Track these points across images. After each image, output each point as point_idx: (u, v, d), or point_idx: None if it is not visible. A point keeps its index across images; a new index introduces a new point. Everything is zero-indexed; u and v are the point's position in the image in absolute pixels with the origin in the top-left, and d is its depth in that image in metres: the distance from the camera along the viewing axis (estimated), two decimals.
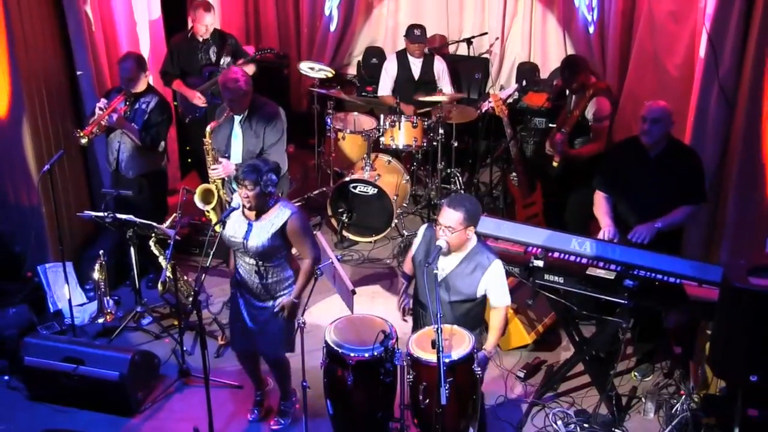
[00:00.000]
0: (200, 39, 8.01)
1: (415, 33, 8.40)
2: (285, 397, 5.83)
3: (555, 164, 6.91)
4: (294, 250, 5.43)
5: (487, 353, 4.98)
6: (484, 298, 5.03)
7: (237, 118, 6.46)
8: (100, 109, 6.61)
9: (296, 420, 5.78)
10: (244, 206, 5.19)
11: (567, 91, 7.18)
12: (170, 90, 8.24)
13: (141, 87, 6.82)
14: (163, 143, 7.00)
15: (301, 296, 5.33)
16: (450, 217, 4.78)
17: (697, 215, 5.91)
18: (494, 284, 4.94)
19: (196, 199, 6.69)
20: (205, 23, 7.92)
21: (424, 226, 5.22)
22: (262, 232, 5.15)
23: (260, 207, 5.16)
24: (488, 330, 5.16)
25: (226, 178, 6.67)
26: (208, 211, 6.73)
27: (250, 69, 8.11)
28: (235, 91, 6.26)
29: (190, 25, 8.19)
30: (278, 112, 6.54)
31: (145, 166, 6.95)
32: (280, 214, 5.18)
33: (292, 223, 5.18)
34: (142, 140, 6.75)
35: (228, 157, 6.53)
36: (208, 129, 6.51)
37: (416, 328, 5.19)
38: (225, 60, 8.02)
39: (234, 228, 5.24)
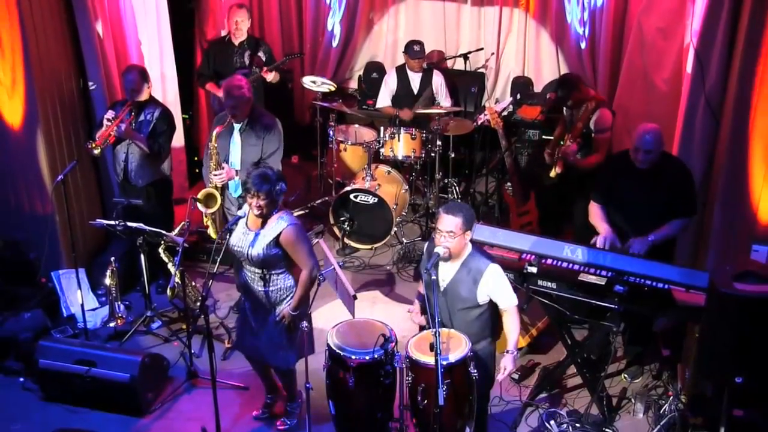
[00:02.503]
0: (236, 43, 8.10)
1: (414, 49, 8.41)
2: (291, 398, 5.84)
3: (553, 174, 6.90)
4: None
5: (511, 354, 4.96)
6: (489, 305, 4.98)
7: (237, 127, 6.46)
8: (108, 120, 6.62)
9: (300, 420, 5.80)
10: (254, 215, 5.16)
11: (564, 107, 7.16)
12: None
13: (144, 98, 6.81)
14: (167, 151, 7.03)
15: (300, 307, 5.29)
16: (450, 222, 4.78)
17: (688, 227, 5.93)
18: (496, 288, 4.90)
19: (199, 203, 6.61)
20: (236, 19, 8.05)
21: (427, 244, 5.18)
22: (261, 242, 5.15)
23: (269, 215, 5.16)
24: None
25: (227, 186, 6.67)
26: (206, 216, 6.71)
27: (275, 77, 8.18)
28: (239, 98, 6.27)
29: (224, 31, 8.35)
30: (276, 122, 6.56)
31: (152, 174, 6.96)
32: (276, 226, 5.15)
33: (286, 235, 5.13)
34: (150, 148, 6.76)
35: (228, 164, 6.54)
36: (213, 133, 6.48)
37: None
38: (260, 57, 8.21)
39: (239, 238, 5.25)
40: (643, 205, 5.75)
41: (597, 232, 5.89)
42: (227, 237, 5.31)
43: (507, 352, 4.97)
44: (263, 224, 5.18)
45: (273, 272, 5.25)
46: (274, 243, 5.14)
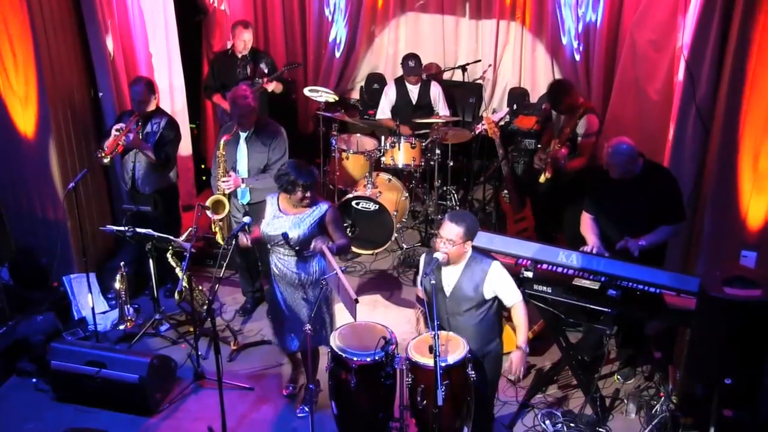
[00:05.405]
0: (239, 55, 8.13)
1: (409, 64, 8.42)
2: (312, 381, 5.80)
3: (542, 180, 6.93)
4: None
5: (522, 349, 4.98)
6: (494, 302, 5.00)
7: (242, 135, 6.48)
8: (117, 131, 6.64)
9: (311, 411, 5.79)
10: (304, 206, 5.39)
11: (554, 112, 7.20)
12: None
13: (151, 108, 6.83)
14: (173, 159, 7.05)
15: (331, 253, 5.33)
16: (451, 230, 4.80)
17: (679, 232, 5.93)
18: (500, 284, 4.93)
19: (207, 210, 6.60)
20: (243, 39, 8.13)
21: (422, 255, 5.19)
22: (302, 224, 5.33)
23: (315, 199, 5.43)
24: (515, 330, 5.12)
25: (234, 193, 6.66)
26: (215, 222, 6.71)
27: (278, 87, 8.19)
28: (244, 107, 6.29)
29: (230, 43, 8.36)
30: (280, 130, 6.58)
31: (159, 182, 6.97)
32: (318, 208, 5.42)
33: (330, 215, 5.44)
34: (157, 157, 6.77)
35: (235, 172, 6.55)
36: (221, 141, 6.48)
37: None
38: (262, 68, 8.26)
39: (270, 222, 5.42)
40: (631, 215, 5.74)
41: (586, 242, 5.90)
42: (233, 242, 5.33)
43: (517, 348, 4.99)
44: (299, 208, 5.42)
45: (306, 253, 5.42)
46: (318, 224, 5.40)
